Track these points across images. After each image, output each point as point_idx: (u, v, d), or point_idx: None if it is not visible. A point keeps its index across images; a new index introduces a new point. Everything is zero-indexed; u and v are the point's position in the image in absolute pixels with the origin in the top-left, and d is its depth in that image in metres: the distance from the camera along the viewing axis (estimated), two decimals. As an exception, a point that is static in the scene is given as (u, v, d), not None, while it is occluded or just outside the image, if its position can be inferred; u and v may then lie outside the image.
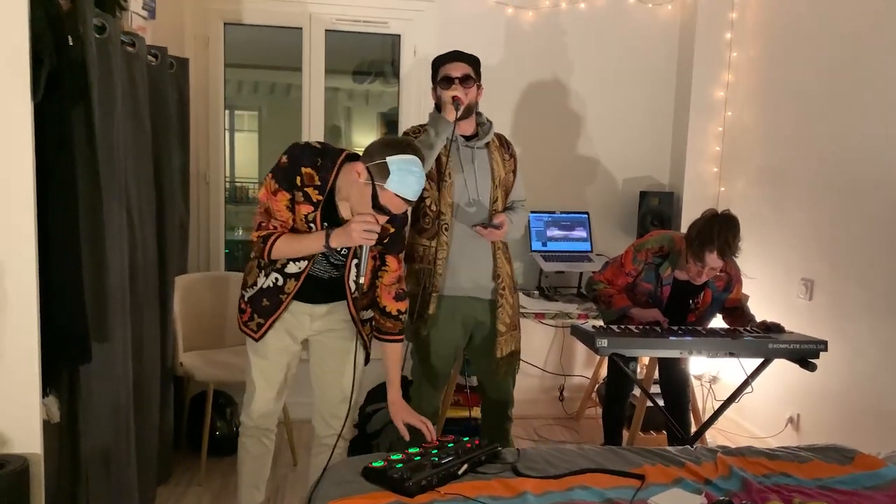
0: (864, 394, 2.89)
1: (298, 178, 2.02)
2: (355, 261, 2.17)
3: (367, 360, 2.38)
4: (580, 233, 3.92)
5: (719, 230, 2.55)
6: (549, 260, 3.73)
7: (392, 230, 2.19)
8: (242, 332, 2.28)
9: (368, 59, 5.05)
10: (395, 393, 2.25)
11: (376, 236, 2.01)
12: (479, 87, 2.51)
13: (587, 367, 4.11)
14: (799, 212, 3.32)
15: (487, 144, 2.55)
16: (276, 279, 2.18)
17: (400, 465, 1.89)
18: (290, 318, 2.24)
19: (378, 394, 3.56)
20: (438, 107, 2.52)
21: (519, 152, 3.51)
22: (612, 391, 3.19)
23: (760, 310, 3.16)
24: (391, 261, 2.23)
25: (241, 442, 2.37)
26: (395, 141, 1.98)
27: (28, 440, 1.76)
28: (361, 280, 2.07)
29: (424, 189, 2.47)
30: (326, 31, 3.60)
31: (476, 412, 3.31)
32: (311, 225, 2.08)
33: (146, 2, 2.89)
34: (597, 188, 4.03)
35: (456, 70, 2.45)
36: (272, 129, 4.81)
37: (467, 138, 2.53)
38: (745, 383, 2.67)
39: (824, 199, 3.14)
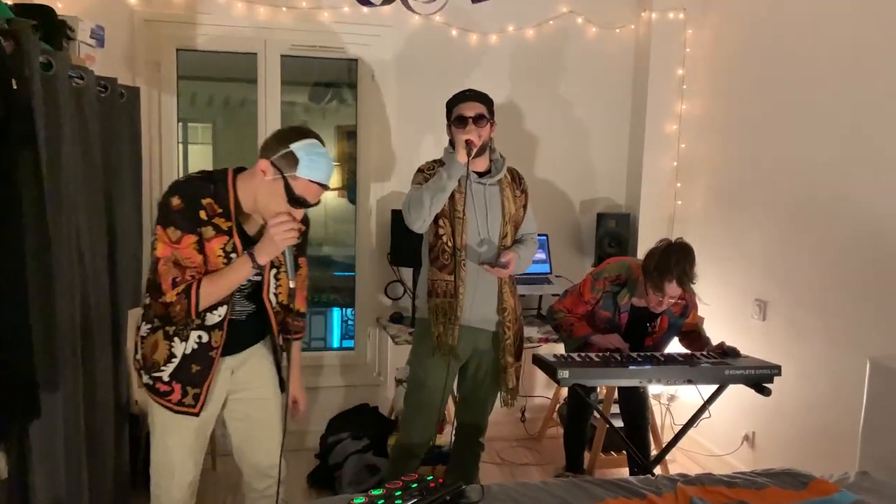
0: (817, 414, 2.98)
1: (202, 213, 1.87)
2: (273, 271, 2.07)
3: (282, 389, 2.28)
4: (539, 255, 3.95)
5: (676, 260, 2.60)
6: (510, 283, 3.75)
7: (303, 229, 2.13)
8: (176, 413, 2.02)
9: (325, 80, 5.03)
10: (298, 373, 2.35)
11: (297, 233, 1.89)
12: (492, 124, 2.56)
13: (548, 388, 4.14)
14: (753, 232, 3.41)
15: (500, 181, 2.60)
16: (200, 337, 1.98)
17: (363, 510, 1.87)
18: (217, 382, 2.07)
19: (339, 424, 3.53)
20: (452, 143, 2.56)
21: None
22: (573, 415, 3.23)
23: (715, 330, 3.22)
24: (303, 262, 2.22)
25: None
26: (292, 129, 1.91)
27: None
28: (292, 284, 1.96)
29: (440, 226, 2.50)
30: (282, 55, 3.56)
31: (441, 439, 3.31)
32: (232, 255, 1.93)
33: (94, 31, 2.82)
34: (555, 210, 4.07)
35: (469, 110, 2.49)
36: (227, 142, 4.74)
37: (480, 174, 2.57)
38: (702, 409, 2.72)
39: (778, 220, 3.24)
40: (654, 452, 3.43)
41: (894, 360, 2.48)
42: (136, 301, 3.16)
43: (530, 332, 3.49)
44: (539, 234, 3.89)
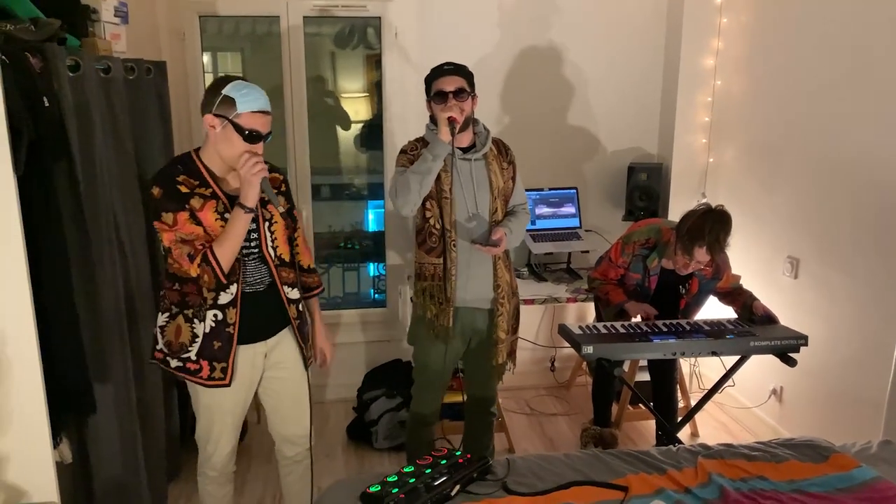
0: (843, 376, 3.00)
1: (182, 188, 2.00)
2: (266, 224, 2.16)
3: (307, 367, 2.38)
4: (569, 209, 3.95)
5: (711, 227, 2.59)
6: (538, 240, 3.78)
7: (281, 177, 2.26)
8: (209, 388, 2.16)
9: (349, 28, 4.92)
10: (322, 325, 2.46)
11: (264, 164, 2.02)
12: (473, 97, 2.50)
13: (578, 338, 4.22)
14: (787, 188, 3.34)
15: (485, 155, 2.55)
16: (216, 315, 2.10)
17: (395, 489, 2.00)
18: (245, 362, 2.20)
19: (374, 379, 3.68)
20: (433, 119, 2.51)
21: (506, 126, 3.47)
22: (599, 375, 3.30)
23: (747, 286, 3.20)
24: (298, 215, 2.34)
25: (206, 490, 2.36)
26: (217, 80, 2.03)
27: (45, 489, 1.86)
28: (281, 208, 2.12)
29: (427, 209, 2.50)
30: (304, 17, 3.51)
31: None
32: (227, 215, 2.04)
33: (118, 9, 2.82)
34: (585, 162, 4.03)
35: (449, 84, 2.43)
36: (255, 69, 4.76)
37: (464, 150, 2.53)
38: (725, 377, 2.77)
39: (814, 177, 3.15)
40: (680, 406, 3.53)
41: (923, 331, 2.47)
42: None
43: (558, 290, 3.54)
44: (568, 188, 3.95)
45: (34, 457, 1.83)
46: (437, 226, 2.50)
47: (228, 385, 2.16)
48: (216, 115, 1.98)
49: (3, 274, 1.72)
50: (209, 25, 3.59)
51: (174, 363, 2.14)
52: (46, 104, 1.74)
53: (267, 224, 2.17)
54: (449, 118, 2.36)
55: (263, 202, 2.15)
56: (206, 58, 3.58)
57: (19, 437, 1.81)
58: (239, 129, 1.97)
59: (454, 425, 3.38)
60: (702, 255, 2.63)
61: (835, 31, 2.99)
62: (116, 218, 2.38)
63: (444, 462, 2.16)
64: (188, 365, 2.13)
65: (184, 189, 2.00)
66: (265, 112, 2.01)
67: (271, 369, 2.30)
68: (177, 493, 3.05)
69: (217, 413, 2.22)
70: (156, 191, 1.99)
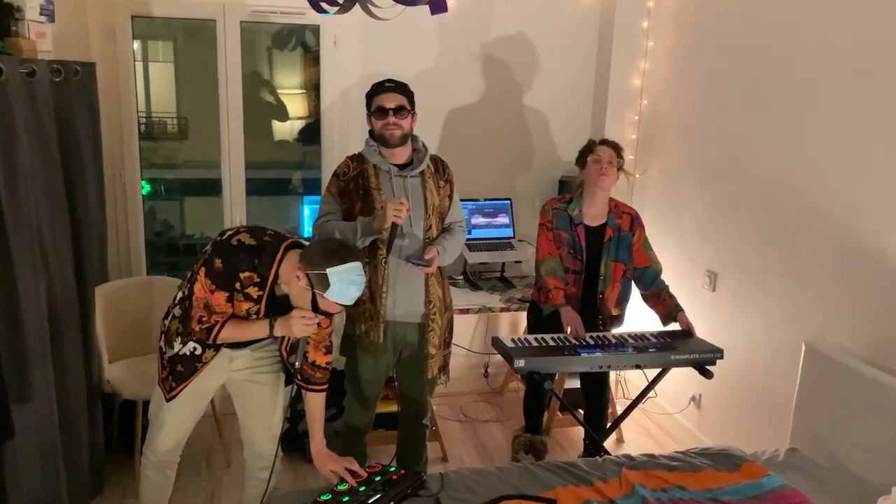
0: (755, 385, 3.19)
1: (237, 283, 2.06)
2: (293, 357, 2.23)
3: (287, 382, 2.45)
4: (503, 219, 4.04)
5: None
6: (474, 249, 3.84)
7: (329, 321, 2.29)
8: (157, 386, 2.29)
9: (287, 29, 4.86)
10: (318, 444, 2.31)
11: (314, 330, 2.13)
12: (413, 115, 2.53)
13: (511, 346, 4.31)
14: (707, 204, 3.52)
15: (422, 172, 2.58)
16: (194, 348, 2.20)
17: (330, 507, 2.01)
18: (205, 372, 2.25)
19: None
20: (372, 133, 2.54)
21: (443, 137, 3.43)
22: (531, 387, 3.36)
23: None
24: (324, 321, 2.26)
25: (144, 474, 2.38)
26: (335, 250, 2.00)
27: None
28: (298, 364, 2.19)
29: None
30: (242, 22, 3.46)
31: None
32: (254, 316, 2.13)
33: (43, 7, 2.70)
34: (519, 174, 4.13)
35: (390, 101, 2.46)
36: (188, 58, 4.64)
37: (401, 167, 2.55)
38: (647, 389, 2.91)
39: (731, 194, 3.33)
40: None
41: (827, 346, 2.66)
42: (104, 277, 3.19)
43: (492, 299, 3.62)
44: (503, 199, 4.03)
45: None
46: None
47: (167, 401, 2.24)
48: (308, 277, 1.98)
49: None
50: (139, 20, 3.48)
51: (161, 348, 2.26)
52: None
53: (292, 356, 2.26)
54: (393, 222, 2.36)
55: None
56: (136, 44, 3.46)
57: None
58: (314, 303, 2.02)
59: (389, 435, 3.40)
60: (604, 151, 3.00)
61: (753, 54, 3.17)
62: (41, 228, 2.30)
63: (378, 479, 2.19)
64: (161, 360, 2.26)
65: (237, 285, 2.06)
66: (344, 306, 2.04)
67: (238, 372, 2.33)
68: (100, 509, 2.96)
69: (167, 405, 2.27)
70: (218, 263, 2.02)
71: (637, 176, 4.08)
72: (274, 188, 4.51)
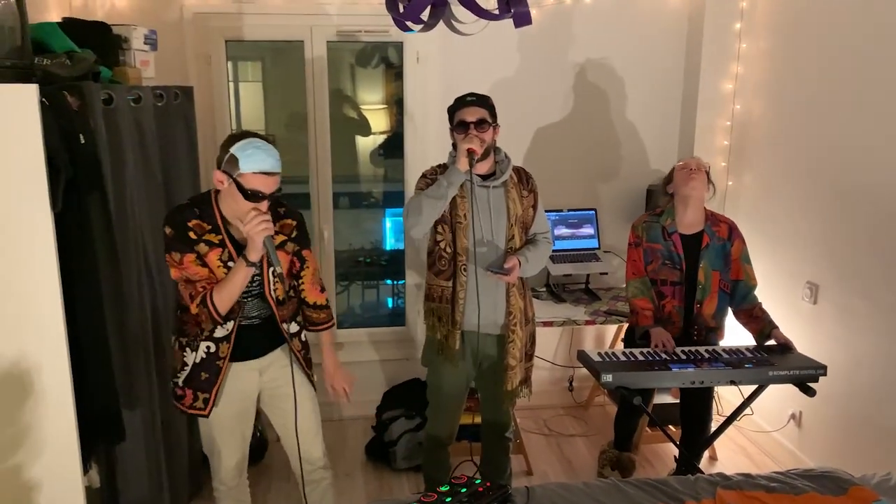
0: (863, 404, 2.99)
1: (191, 233, 2.07)
2: (270, 269, 2.20)
3: (315, 388, 2.44)
4: (587, 230, 3.97)
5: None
6: (557, 261, 3.80)
7: (294, 223, 2.29)
8: (189, 415, 2.27)
9: (371, 46, 4.99)
10: (332, 362, 2.46)
11: (271, 223, 2.04)
12: (495, 128, 2.54)
13: (596, 359, 4.22)
14: (807, 212, 3.34)
15: (505, 183, 2.59)
16: (208, 347, 2.17)
17: (416, 518, 2.02)
18: (235, 383, 2.26)
19: (393, 398, 3.71)
20: (455, 146, 2.56)
21: (527, 147, 3.40)
22: (624, 405, 3.27)
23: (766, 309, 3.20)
24: (307, 255, 2.35)
25: (216, 499, 2.40)
26: (231, 135, 2.08)
27: (73, 514, 1.91)
28: (279, 269, 2.08)
29: (438, 232, 2.54)
30: (328, 42, 3.57)
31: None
32: (230, 263, 2.11)
33: (147, 36, 2.89)
34: (604, 184, 4.05)
35: (471, 115, 2.48)
36: (276, 78, 4.84)
37: (484, 177, 2.56)
38: (743, 406, 2.78)
39: (834, 201, 3.15)
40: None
41: (945, 363, 2.46)
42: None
43: (576, 311, 3.56)
44: (587, 209, 3.97)
45: (65, 483, 1.89)
46: (448, 250, 2.55)
47: (207, 416, 2.22)
48: (223, 172, 2.02)
49: (39, 307, 1.78)
50: (231, 44, 3.66)
51: (171, 384, 2.25)
52: (83, 141, 1.80)
53: (272, 269, 2.22)
54: (468, 149, 2.40)
55: None
56: (227, 66, 3.64)
57: (51, 465, 1.87)
58: (241, 188, 2.00)
59: (473, 447, 3.39)
60: (687, 160, 2.96)
61: (856, 57, 2.99)
62: (146, 245, 2.44)
63: (463, 490, 2.18)
64: (176, 390, 2.23)
65: (192, 235, 2.07)
66: (269, 173, 2.02)
67: (270, 390, 2.35)
68: (198, 511, 3.10)
69: (215, 430, 2.28)
70: (167, 230, 2.06)
71: (729, 183, 3.93)
72: (357, 202, 4.63)
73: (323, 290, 2.44)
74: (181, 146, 2.96)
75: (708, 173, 2.97)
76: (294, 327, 2.35)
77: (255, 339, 2.27)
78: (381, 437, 3.50)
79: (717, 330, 2.99)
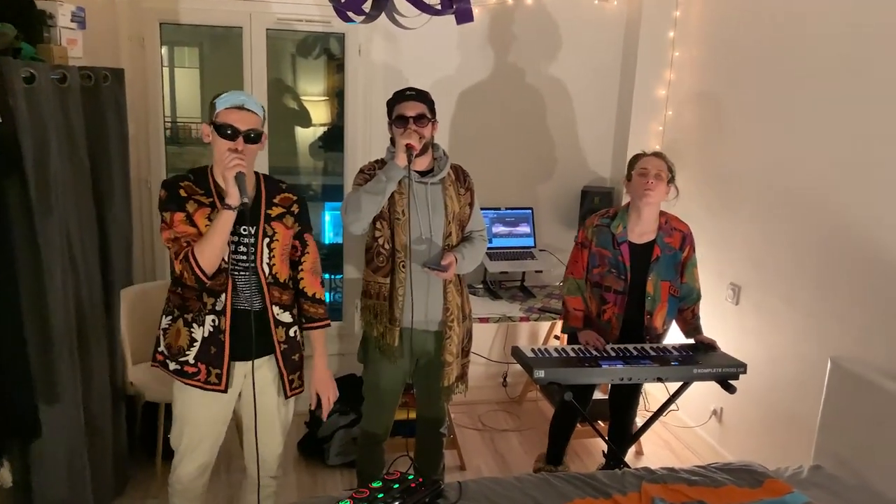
0: (779, 400, 3.14)
1: (181, 191, 2.09)
2: (266, 240, 2.17)
3: (287, 396, 2.36)
4: (524, 228, 4.03)
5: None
6: (494, 258, 3.84)
7: (295, 198, 2.28)
8: (206, 391, 2.18)
9: (312, 37, 4.91)
10: (324, 368, 2.40)
11: (243, 162, 2.03)
12: (433, 123, 2.54)
13: (530, 355, 4.29)
14: (732, 216, 3.48)
15: (442, 180, 2.59)
16: (213, 321, 2.14)
17: (349, 514, 2.01)
18: (232, 371, 2.21)
19: (328, 393, 3.67)
20: (394, 141, 2.54)
21: (466, 146, 3.43)
22: (562, 411, 3.24)
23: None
24: (309, 239, 2.32)
25: (170, 495, 2.32)
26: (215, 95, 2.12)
27: (-17, 514, 1.81)
28: (247, 199, 2.01)
29: (377, 228, 2.53)
30: (268, 30, 3.50)
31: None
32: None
33: (75, 13, 2.76)
34: (541, 184, 4.11)
35: (410, 109, 2.47)
36: (214, 65, 4.70)
37: (422, 174, 2.56)
38: (668, 402, 2.88)
39: (757, 205, 3.29)
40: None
41: (853, 362, 2.61)
42: (129, 280, 3.24)
43: (512, 308, 3.60)
44: (524, 208, 4.03)
45: (-24, 481, 1.79)
46: (387, 246, 2.54)
47: (224, 391, 2.18)
48: (207, 124, 2.08)
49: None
50: (166, 27, 3.54)
51: (172, 366, 2.18)
52: (0, 121, 1.70)
53: (267, 240, 2.18)
54: (407, 145, 2.39)
55: (269, 218, 2.19)
56: (162, 50, 3.52)
57: (-39, 461, 1.77)
58: (217, 127, 2.04)
59: (407, 442, 3.39)
60: (650, 161, 2.85)
61: (783, 67, 3.14)
62: (70, 233, 2.34)
63: (396, 486, 2.18)
64: (186, 368, 2.17)
65: (182, 193, 2.09)
66: (240, 107, 2.05)
67: (249, 391, 2.27)
68: (122, 510, 3.00)
69: (190, 423, 2.23)
70: (161, 193, 2.09)
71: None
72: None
73: (322, 283, 2.36)
74: (111, 131, 2.84)
75: (672, 175, 2.90)
76: (287, 317, 2.28)
77: (248, 332, 2.18)
78: (314, 434, 3.46)
79: (664, 334, 3.04)
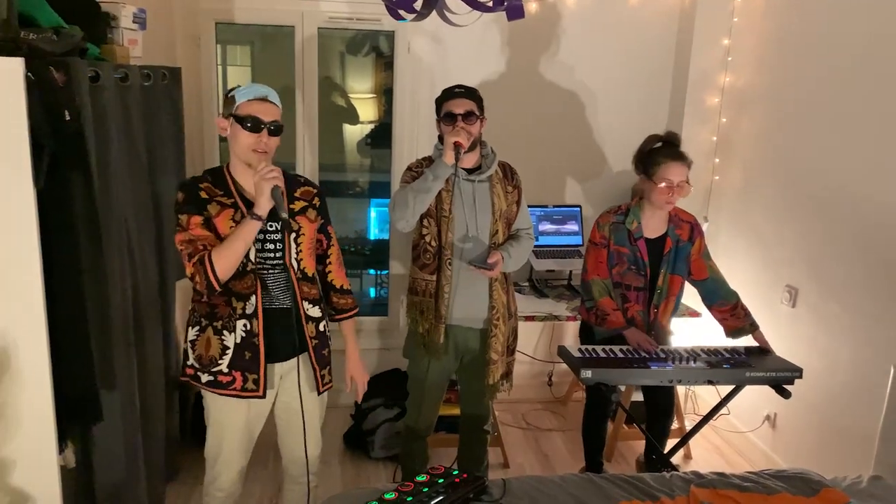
0: (838, 408, 3.04)
1: (202, 193, 2.05)
2: (293, 235, 2.14)
3: (319, 392, 2.34)
4: (572, 226, 3.99)
5: (657, 136, 2.79)
6: (541, 256, 3.81)
7: (315, 191, 2.27)
8: (243, 398, 2.15)
9: (362, 35, 4.96)
10: (354, 352, 2.43)
11: (278, 170, 2.00)
12: (482, 120, 2.53)
13: (576, 355, 4.25)
14: (790, 216, 3.37)
15: (490, 177, 2.58)
16: (245, 325, 2.09)
17: (393, 508, 2.03)
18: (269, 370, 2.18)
19: (373, 387, 3.69)
20: (441, 139, 2.55)
21: (514, 142, 3.44)
22: (592, 412, 3.17)
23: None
24: (332, 231, 2.34)
25: None
26: (228, 90, 2.10)
27: (49, 494, 1.89)
28: (285, 215, 2.01)
29: (423, 226, 2.54)
30: (319, 28, 3.55)
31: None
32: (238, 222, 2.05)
33: (136, 15, 2.85)
34: (590, 181, 4.07)
35: (459, 107, 2.47)
36: (265, 63, 4.80)
37: (469, 171, 2.56)
38: (719, 406, 2.81)
39: (817, 206, 3.18)
40: (675, 428, 3.56)
41: (918, 370, 2.51)
42: (183, 272, 3.32)
43: (558, 307, 3.58)
44: (572, 206, 3.99)
45: (40, 462, 1.87)
46: (433, 243, 2.54)
47: (263, 396, 2.14)
48: (224, 117, 2.06)
49: (19, 285, 1.76)
50: (220, 26, 3.63)
51: (205, 378, 2.13)
52: (67, 118, 1.77)
53: (294, 235, 2.17)
54: (455, 143, 2.39)
55: (292, 213, 2.17)
56: (216, 48, 3.61)
57: (26, 444, 1.85)
58: (239, 119, 2.01)
59: (450, 438, 3.41)
60: (672, 171, 2.71)
61: (844, 65, 3.03)
62: (128, 225, 2.42)
63: (441, 481, 2.19)
64: (220, 378, 2.11)
65: (203, 195, 2.05)
66: (262, 99, 2.03)
67: (285, 392, 2.29)
68: (174, 495, 3.08)
69: (227, 432, 2.20)
70: (179, 196, 2.05)
71: (716, 178, 3.96)
72: (342, 190, 4.60)
73: (346, 274, 2.40)
74: (167, 127, 2.93)
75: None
76: (316, 312, 2.25)
77: (282, 331, 2.16)
78: (359, 426, 3.51)
79: (668, 331, 2.99)
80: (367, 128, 4.64)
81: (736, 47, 3.76)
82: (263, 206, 1.99)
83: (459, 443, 2.95)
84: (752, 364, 2.68)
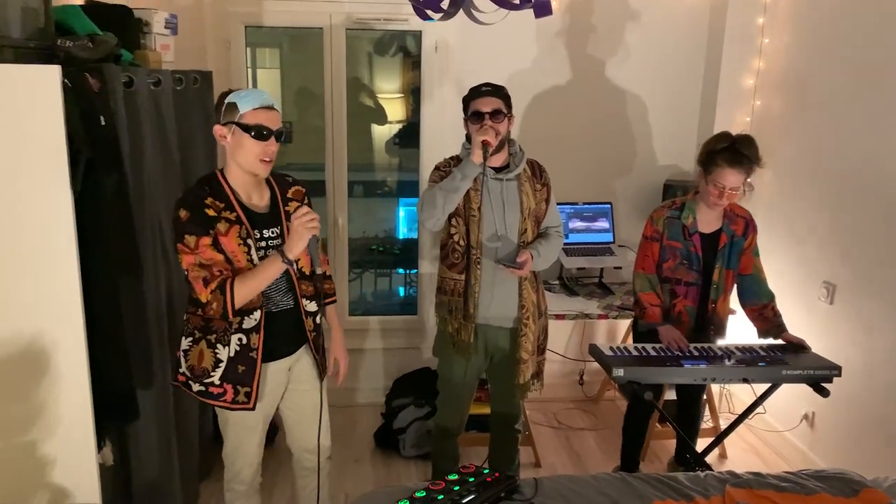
0: (877, 406, 2.96)
1: (209, 210, 1.99)
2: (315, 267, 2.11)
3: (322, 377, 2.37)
4: (602, 224, 3.95)
5: (730, 137, 2.72)
6: (571, 254, 3.78)
7: (304, 190, 2.28)
8: (234, 410, 2.14)
9: (389, 35, 4.98)
10: (339, 335, 2.49)
11: (317, 218, 1.97)
12: (509, 118, 2.52)
13: (607, 353, 4.21)
14: (826, 211, 3.30)
15: (518, 175, 2.57)
16: (240, 339, 2.08)
17: (424, 507, 2.03)
18: (266, 384, 2.19)
19: (403, 386, 3.72)
20: (469, 137, 2.54)
21: (543, 139, 3.41)
22: (633, 412, 3.19)
23: (780, 309, 3.17)
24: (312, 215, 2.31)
25: (230, 500, 2.34)
26: (220, 94, 2.05)
27: (87, 491, 1.94)
28: (319, 271, 2.06)
29: (452, 225, 2.54)
30: (347, 29, 3.57)
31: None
32: (248, 241, 2.03)
33: (168, 20, 2.90)
34: (621, 178, 4.03)
35: (486, 105, 2.46)
36: (294, 65, 4.84)
37: (497, 169, 2.55)
38: (755, 405, 2.76)
39: (853, 201, 3.11)
40: (710, 427, 3.50)
41: (963, 367, 2.43)
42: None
43: (589, 305, 3.55)
44: (603, 203, 3.95)
45: (79, 460, 1.91)
46: (462, 243, 2.54)
47: (253, 409, 2.14)
48: (224, 125, 2.01)
49: (58, 286, 1.80)
50: (250, 30, 3.67)
51: (196, 387, 2.12)
52: (103, 123, 1.81)
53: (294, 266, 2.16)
54: (483, 141, 2.38)
55: (289, 215, 2.15)
56: (246, 51, 3.65)
57: (65, 442, 1.89)
58: (246, 129, 1.97)
59: (481, 437, 3.41)
60: (727, 177, 2.66)
61: (880, 54, 2.95)
62: (161, 227, 2.46)
63: (472, 479, 2.19)
64: (211, 389, 2.11)
65: (211, 213, 1.98)
66: (267, 108, 2.01)
67: (293, 383, 2.32)
68: (208, 493, 3.13)
69: (243, 431, 2.23)
70: (182, 213, 1.96)
71: (749, 179, 3.88)
72: (371, 190, 4.63)
73: (326, 260, 2.47)
74: (199, 131, 2.97)
75: (750, 183, 2.79)
76: (313, 307, 2.27)
77: (284, 331, 2.19)
78: (390, 425, 3.52)
79: (725, 326, 2.98)
80: (395, 127, 4.67)
81: (769, 34, 3.69)
82: (296, 252, 1.98)
83: (490, 442, 2.94)
84: (788, 362, 2.62)
